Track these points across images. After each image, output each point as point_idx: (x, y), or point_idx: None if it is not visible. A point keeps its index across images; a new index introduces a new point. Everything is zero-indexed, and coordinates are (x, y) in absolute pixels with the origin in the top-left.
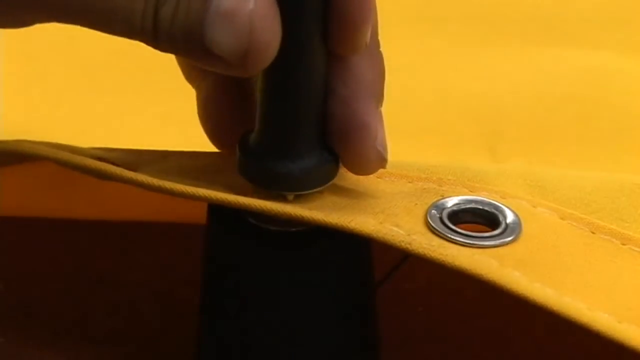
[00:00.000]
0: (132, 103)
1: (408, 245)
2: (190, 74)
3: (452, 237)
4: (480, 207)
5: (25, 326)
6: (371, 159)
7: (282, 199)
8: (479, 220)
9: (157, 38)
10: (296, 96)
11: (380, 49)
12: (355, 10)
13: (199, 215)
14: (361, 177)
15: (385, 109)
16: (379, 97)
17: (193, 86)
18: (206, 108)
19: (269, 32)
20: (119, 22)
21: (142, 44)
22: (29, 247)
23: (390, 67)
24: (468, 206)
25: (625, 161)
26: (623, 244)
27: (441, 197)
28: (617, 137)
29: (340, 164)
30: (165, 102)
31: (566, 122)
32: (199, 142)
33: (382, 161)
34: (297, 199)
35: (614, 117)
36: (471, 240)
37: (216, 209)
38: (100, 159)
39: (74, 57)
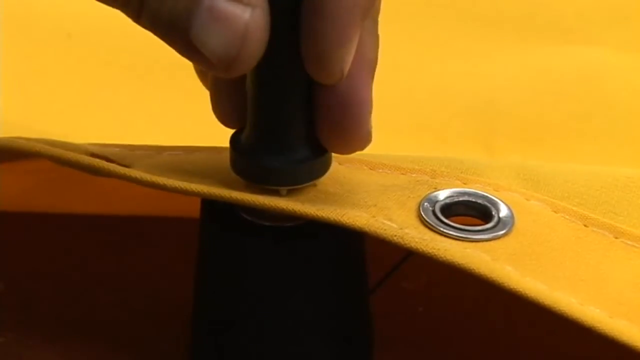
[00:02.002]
0: (128, 99)
1: (400, 239)
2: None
3: (445, 230)
4: (473, 199)
5: (25, 326)
6: (362, 136)
7: (275, 193)
8: (472, 212)
9: (141, 14)
10: (285, 92)
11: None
12: (329, 32)
13: (198, 209)
14: (354, 170)
15: (381, 104)
16: (373, 78)
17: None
18: (215, 97)
19: (260, 42)
20: None
21: (140, 42)
22: (27, 244)
23: (386, 63)
24: (461, 199)
25: (620, 157)
26: (616, 237)
27: (434, 190)
28: (612, 133)
29: (333, 157)
30: (161, 99)
31: (562, 119)
32: (194, 137)
33: (368, 141)
34: (290, 193)
35: (609, 113)
36: (463, 233)
37: (209, 205)
38: (94, 154)
39: (70, 53)
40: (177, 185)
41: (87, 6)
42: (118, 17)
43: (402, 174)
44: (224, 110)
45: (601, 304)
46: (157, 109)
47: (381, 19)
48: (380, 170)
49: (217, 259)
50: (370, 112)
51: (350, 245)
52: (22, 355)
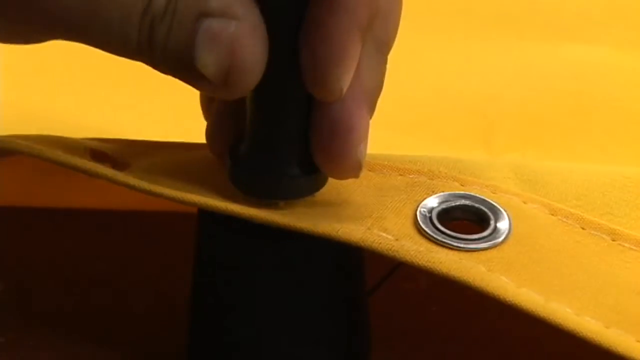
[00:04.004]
0: (130, 95)
1: (396, 253)
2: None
3: (441, 239)
4: (470, 203)
5: (25, 326)
6: (350, 164)
7: (273, 205)
8: (469, 217)
9: (154, 57)
10: (285, 108)
11: (387, 66)
12: (326, 50)
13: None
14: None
15: (381, 103)
16: (372, 107)
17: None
18: (213, 134)
19: (250, 55)
20: (116, 41)
21: None
22: (27, 244)
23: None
24: (458, 203)
25: (620, 155)
26: (613, 240)
27: (432, 193)
28: (612, 131)
29: None
30: (162, 95)
31: (561, 117)
32: (195, 134)
33: (357, 170)
34: (288, 204)
35: (608, 111)
36: (460, 243)
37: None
38: (93, 150)
39: (72, 49)
40: (174, 195)
41: None
42: None
43: (400, 174)
44: (220, 142)
45: (597, 313)
46: (157, 107)
47: None
48: (379, 171)
49: (215, 259)
50: (361, 141)
51: (350, 248)
52: (22, 355)
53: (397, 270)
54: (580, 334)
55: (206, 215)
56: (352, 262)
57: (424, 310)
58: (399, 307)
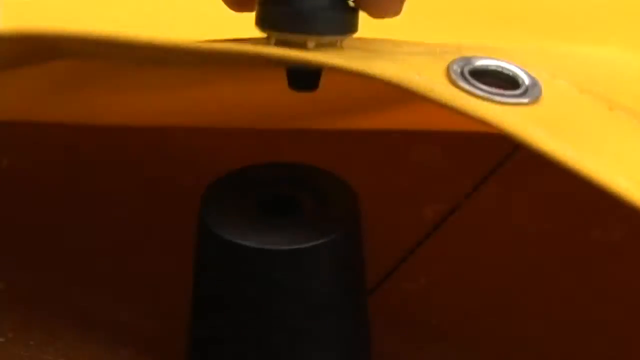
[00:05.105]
0: None
1: (430, 92)
2: None
3: (474, 91)
4: (501, 68)
5: (25, 326)
6: None
7: (303, 47)
8: (500, 82)
9: None
10: None
11: None
12: None
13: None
14: (379, 40)
15: None
16: None
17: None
18: None
19: None
20: None
21: None
22: (27, 244)
23: None
24: (490, 64)
25: None
26: None
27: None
28: None
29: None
30: None
31: None
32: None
33: (398, 2)
34: (317, 49)
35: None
36: (493, 96)
37: (209, 201)
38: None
39: None
40: (198, 48)
41: None
42: None
43: (427, 47)
44: None
45: (629, 177)
46: None
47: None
48: (405, 46)
49: (216, 260)
50: None
51: (350, 249)
52: (22, 355)
53: (397, 270)
54: (613, 191)
55: (207, 216)
56: (353, 262)
57: (424, 310)
58: (399, 307)
